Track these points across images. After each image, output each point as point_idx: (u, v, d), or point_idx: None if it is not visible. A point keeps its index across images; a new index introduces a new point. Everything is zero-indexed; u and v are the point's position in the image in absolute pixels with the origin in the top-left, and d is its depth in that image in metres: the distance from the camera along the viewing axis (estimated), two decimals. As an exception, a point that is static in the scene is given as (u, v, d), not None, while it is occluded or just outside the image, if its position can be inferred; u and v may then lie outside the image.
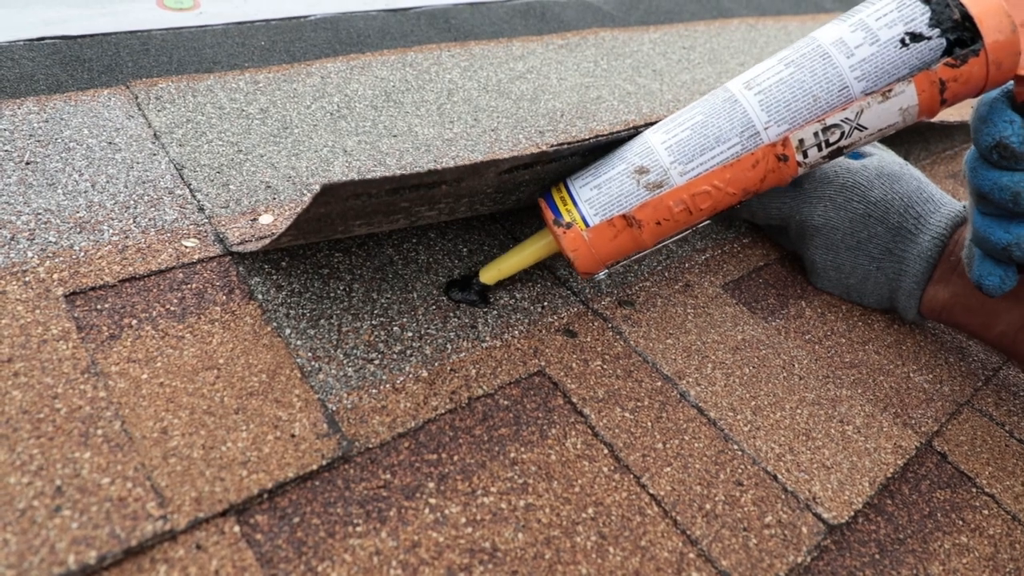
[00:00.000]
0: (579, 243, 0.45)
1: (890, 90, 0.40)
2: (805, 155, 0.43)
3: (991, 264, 0.45)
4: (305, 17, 0.79)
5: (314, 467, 0.37)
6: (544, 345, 0.47)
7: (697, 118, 0.43)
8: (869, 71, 0.40)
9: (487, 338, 0.47)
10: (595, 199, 0.45)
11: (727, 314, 0.53)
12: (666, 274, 0.56)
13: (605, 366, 0.47)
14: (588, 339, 0.48)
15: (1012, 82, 0.41)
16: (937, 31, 0.39)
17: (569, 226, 0.45)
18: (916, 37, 0.39)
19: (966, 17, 0.38)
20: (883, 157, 0.57)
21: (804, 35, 1.06)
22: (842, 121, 0.41)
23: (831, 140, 0.42)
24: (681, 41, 0.96)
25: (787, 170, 0.43)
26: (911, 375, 0.53)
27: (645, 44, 0.92)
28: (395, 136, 0.63)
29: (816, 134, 0.42)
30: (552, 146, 0.42)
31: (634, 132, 0.47)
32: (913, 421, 0.49)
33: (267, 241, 0.42)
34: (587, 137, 0.53)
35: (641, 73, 0.84)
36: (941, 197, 0.55)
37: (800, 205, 0.57)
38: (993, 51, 0.39)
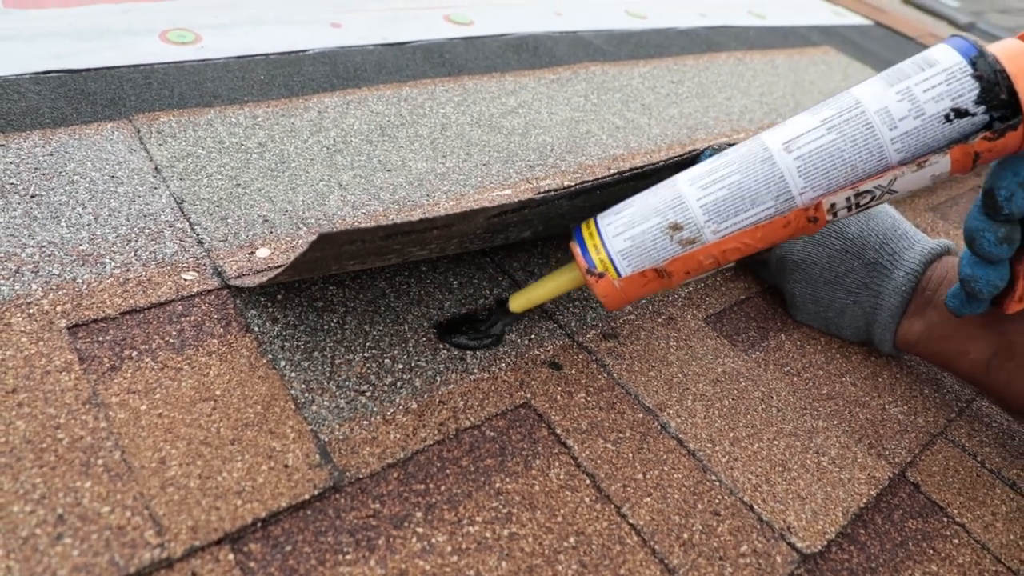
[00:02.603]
0: (610, 290, 0.46)
1: (926, 160, 0.41)
2: (835, 215, 0.43)
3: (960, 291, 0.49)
4: (304, 51, 0.81)
5: (306, 497, 0.38)
6: (530, 377, 0.49)
7: (734, 177, 0.44)
8: (909, 144, 0.41)
9: (475, 370, 0.48)
10: (628, 251, 0.45)
11: (708, 347, 0.55)
12: (649, 307, 0.57)
13: (589, 398, 0.48)
14: (573, 372, 0.50)
15: None
16: (983, 108, 0.39)
17: (602, 275, 0.46)
18: (961, 113, 0.39)
19: (1012, 94, 0.38)
20: None
21: (791, 68, 1.09)
22: (875, 187, 0.42)
23: (861, 203, 0.43)
24: (670, 75, 0.98)
25: (814, 228, 0.44)
26: (887, 407, 0.55)
27: (635, 78, 0.94)
28: (389, 170, 0.64)
29: (848, 199, 0.42)
30: (539, 192, 0.44)
31: (627, 175, 0.49)
32: (887, 452, 0.51)
33: (264, 278, 0.43)
34: (571, 185, 0.55)
35: (630, 107, 0.86)
36: (915, 234, 0.57)
37: None
38: None
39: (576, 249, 0.47)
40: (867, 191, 0.42)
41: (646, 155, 0.77)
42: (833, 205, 0.43)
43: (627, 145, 0.78)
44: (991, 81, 0.39)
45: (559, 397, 0.48)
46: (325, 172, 0.62)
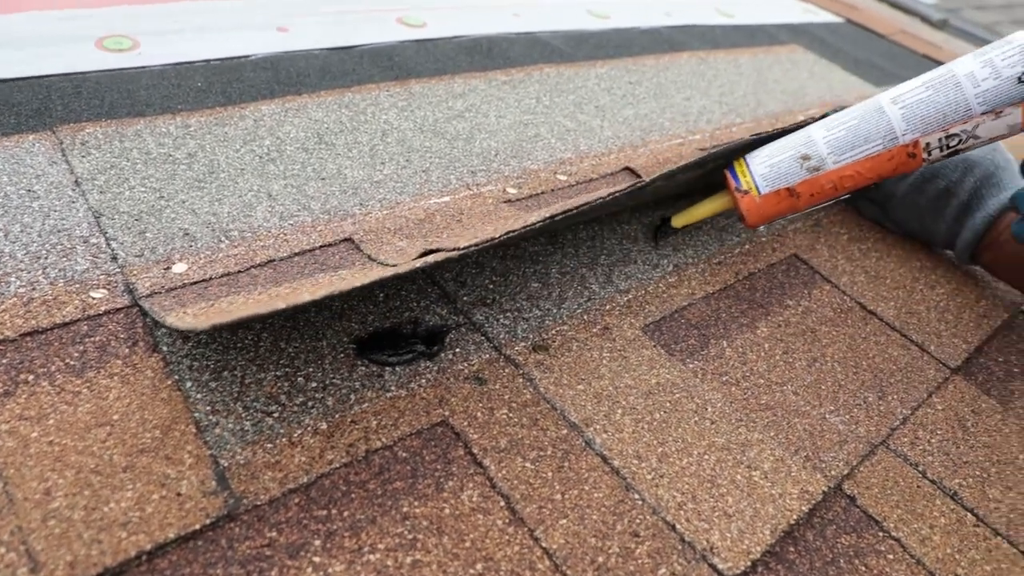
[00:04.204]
0: (752, 205, 0.60)
1: (1002, 112, 0.54)
2: (929, 154, 0.57)
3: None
4: (246, 57, 0.79)
5: (197, 526, 0.37)
6: (451, 394, 0.47)
7: (852, 122, 0.58)
8: (989, 98, 0.54)
9: (392, 387, 0.47)
10: (768, 175, 0.60)
11: (644, 357, 0.54)
12: (585, 317, 0.56)
13: (511, 414, 0.47)
14: (497, 386, 0.48)
15: None
16: None
17: (747, 192, 0.60)
18: None
19: None
20: None
21: (755, 67, 1.07)
22: (961, 131, 0.55)
23: (951, 144, 0.56)
24: (628, 76, 0.97)
25: (914, 163, 0.58)
26: (827, 416, 0.53)
27: (591, 79, 0.93)
28: (323, 179, 0.63)
29: (940, 139, 0.56)
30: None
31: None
32: (824, 464, 0.49)
33: (181, 322, 0.41)
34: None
35: (583, 109, 0.85)
36: (1010, 182, 0.71)
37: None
38: None
39: (728, 176, 0.61)
40: (955, 134, 0.56)
41: (595, 158, 0.75)
42: (928, 144, 0.56)
43: (576, 148, 0.76)
44: None
45: (479, 414, 0.46)
46: (255, 182, 0.61)
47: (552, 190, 0.68)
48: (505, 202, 0.65)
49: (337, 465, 0.41)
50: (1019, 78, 0.54)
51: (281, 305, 0.38)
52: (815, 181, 0.59)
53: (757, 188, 0.60)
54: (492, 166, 0.70)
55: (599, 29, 1.11)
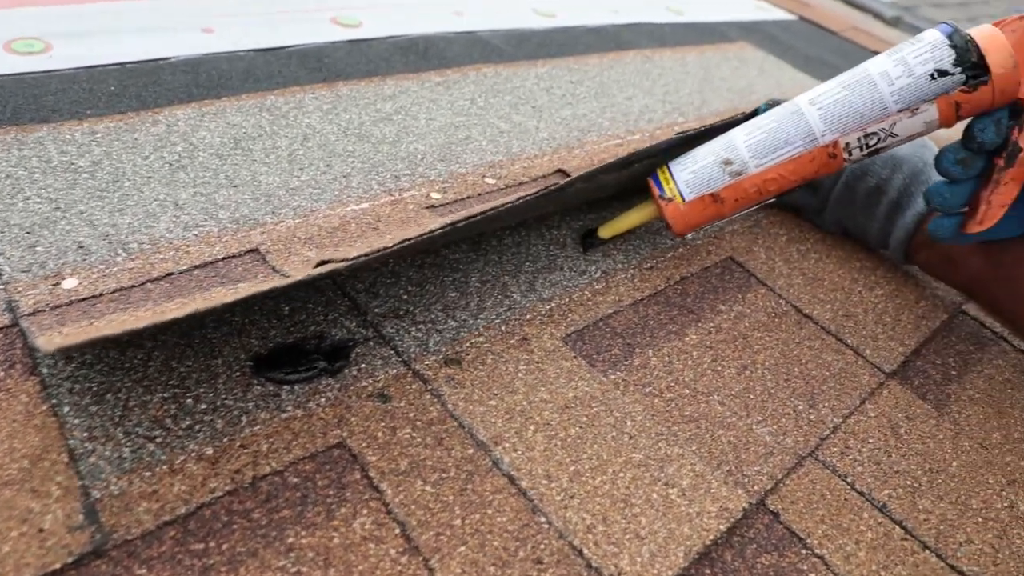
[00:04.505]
0: (677, 213, 0.60)
1: (918, 109, 0.54)
2: (850, 154, 0.57)
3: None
4: (166, 59, 0.76)
5: (57, 566, 0.34)
6: (351, 413, 0.45)
7: (771, 125, 0.58)
8: (904, 96, 0.54)
9: (289, 407, 0.44)
10: (691, 181, 0.59)
11: (562, 369, 0.51)
12: (503, 327, 0.53)
13: (415, 434, 0.44)
14: (402, 404, 0.46)
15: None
16: (959, 69, 0.53)
17: (670, 200, 0.60)
18: (942, 73, 0.53)
19: (981, 58, 0.52)
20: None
21: (702, 65, 1.06)
22: (879, 130, 0.55)
23: (870, 143, 0.56)
24: (569, 75, 0.94)
25: (835, 164, 0.58)
26: (754, 427, 0.52)
27: (530, 79, 0.90)
28: (236, 186, 0.60)
29: (859, 139, 0.56)
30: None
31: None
32: (747, 479, 0.47)
33: (46, 345, 0.39)
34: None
35: (519, 110, 0.83)
36: (937, 178, 0.66)
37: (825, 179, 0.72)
38: (998, 81, 0.52)
39: (652, 184, 0.61)
40: (873, 133, 0.56)
41: (527, 161, 0.73)
42: (847, 144, 0.56)
43: (508, 151, 0.74)
44: (963, 49, 0.52)
45: (380, 434, 0.44)
46: (162, 191, 0.58)
47: (479, 194, 0.66)
48: (427, 208, 0.62)
49: (220, 493, 0.39)
50: (931, 75, 0.53)
51: (137, 325, 0.35)
52: (739, 186, 0.59)
53: (681, 195, 0.60)
54: (417, 170, 0.67)
55: (543, 28, 1.09)
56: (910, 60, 0.54)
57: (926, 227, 0.67)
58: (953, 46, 0.53)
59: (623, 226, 0.63)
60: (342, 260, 0.41)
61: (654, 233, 0.68)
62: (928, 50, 0.53)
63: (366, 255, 0.41)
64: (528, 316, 0.55)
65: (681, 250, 0.67)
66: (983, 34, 0.53)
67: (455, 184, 0.66)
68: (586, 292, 0.59)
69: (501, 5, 1.13)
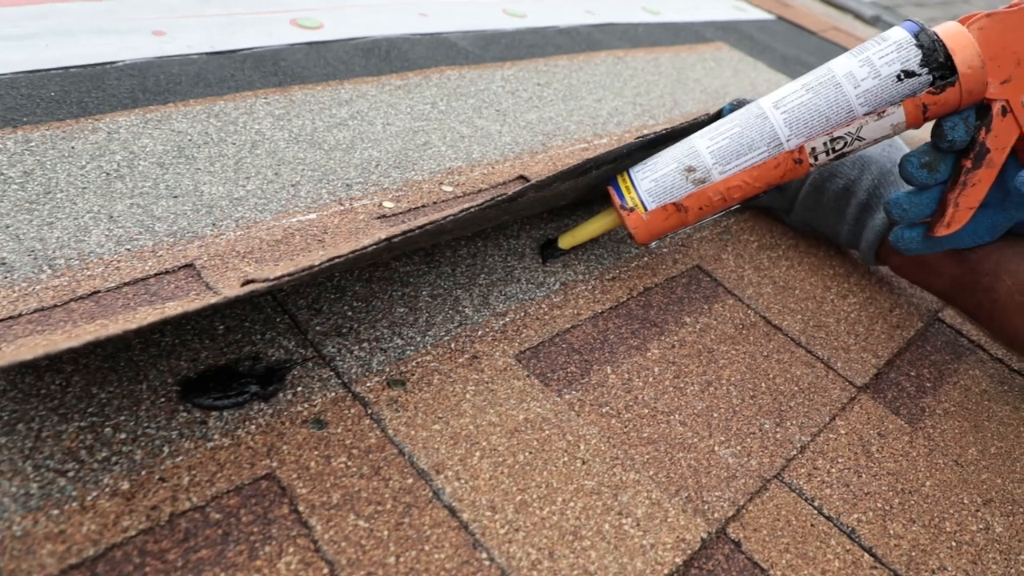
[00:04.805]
0: (639, 223, 0.57)
1: (884, 111, 0.52)
2: (816, 159, 0.55)
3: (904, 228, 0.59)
4: (112, 63, 0.73)
5: (-57, 620, 0.31)
6: (283, 441, 0.42)
7: (735, 129, 0.55)
8: (870, 98, 0.52)
9: (215, 436, 0.41)
10: (652, 189, 0.57)
11: (514, 389, 0.49)
12: (453, 345, 0.51)
13: (350, 463, 0.42)
14: (339, 430, 0.43)
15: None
16: (926, 69, 0.51)
17: (632, 210, 0.57)
18: (909, 74, 0.51)
19: (948, 58, 0.51)
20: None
21: (675, 66, 1.03)
22: (845, 134, 0.53)
23: (836, 148, 0.54)
24: (537, 77, 0.92)
25: (801, 169, 0.55)
26: (716, 448, 0.49)
27: (495, 82, 0.88)
28: (176, 197, 0.57)
29: (825, 143, 0.54)
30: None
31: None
32: (707, 506, 0.45)
33: None
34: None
35: (482, 114, 0.80)
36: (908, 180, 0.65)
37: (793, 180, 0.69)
38: (965, 82, 0.51)
39: (613, 193, 0.58)
40: (839, 137, 0.53)
41: (488, 167, 0.70)
42: (814, 149, 0.54)
43: (468, 157, 0.71)
44: (930, 49, 0.51)
45: (313, 464, 0.41)
46: (97, 202, 0.55)
47: (434, 203, 0.63)
48: (379, 218, 0.60)
49: (133, 533, 0.36)
50: (897, 76, 0.52)
51: (53, 349, 0.33)
52: (702, 194, 0.56)
53: (643, 204, 0.57)
54: (371, 178, 0.65)
55: (513, 28, 1.06)
56: (876, 60, 0.52)
57: None
58: (920, 45, 0.51)
59: (584, 235, 0.60)
60: (264, 280, 0.38)
61: (618, 242, 0.66)
62: (894, 50, 0.52)
63: (290, 275, 0.38)
64: (480, 332, 0.52)
65: (646, 259, 0.65)
66: (949, 33, 0.51)
67: (410, 192, 0.64)
68: (543, 306, 0.56)
69: (469, 6, 1.10)
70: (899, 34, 0.52)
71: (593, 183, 0.59)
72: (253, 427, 0.42)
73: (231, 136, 0.66)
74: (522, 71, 0.93)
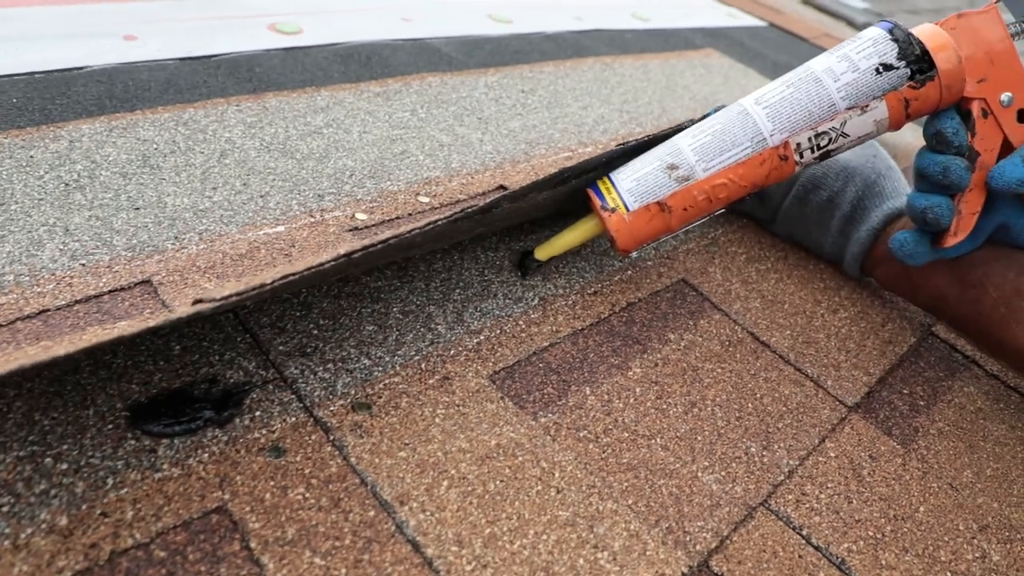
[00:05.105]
0: (621, 224, 0.55)
1: (867, 106, 0.52)
2: (801, 156, 0.54)
3: (904, 231, 0.57)
4: (80, 69, 0.71)
5: None
6: (237, 471, 0.39)
7: (717, 126, 0.54)
8: (851, 92, 0.52)
9: (165, 466, 0.39)
10: (634, 189, 0.55)
11: (486, 412, 0.46)
12: (423, 365, 0.48)
13: (308, 494, 0.39)
14: (298, 458, 0.41)
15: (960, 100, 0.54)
16: (903, 63, 0.52)
17: (613, 211, 0.55)
18: (888, 67, 0.52)
19: (924, 52, 0.51)
20: (856, 150, 0.68)
21: (664, 73, 1.01)
22: (830, 129, 0.53)
23: (821, 144, 0.54)
24: (521, 84, 0.90)
25: (787, 167, 0.55)
26: (699, 474, 0.47)
27: (478, 89, 0.85)
28: (137, 209, 0.55)
29: (810, 139, 0.53)
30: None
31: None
32: (688, 537, 0.42)
33: None
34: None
35: (463, 122, 0.77)
36: (893, 191, 0.65)
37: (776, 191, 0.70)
38: (945, 77, 0.52)
39: (593, 195, 0.56)
40: (824, 132, 0.53)
41: (467, 176, 0.68)
42: (799, 145, 0.54)
43: (447, 166, 0.69)
44: (905, 42, 0.51)
45: (268, 496, 0.39)
46: (53, 215, 0.52)
47: (410, 214, 0.61)
48: (350, 230, 0.57)
49: (69, 574, 0.33)
50: (876, 69, 0.52)
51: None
52: (687, 192, 0.54)
53: (625, 205, 0.55)
54: (344, 188, 0.62)
55: (498, 34, 1.04)
56: (853, 56, 0.53)
57: (883, 242, 0.64)
58: (895, 39, 0.52)
59: (562, 245, 0.58)
60: (211, 300, 0.36)
61: (601, 254, 0.63)
62: (870, 45, 0.52)
63: (239, 294, 0.36)
64: (452, 351, 0.50)
65: (630, 272, 0.62)
66: (924, 31, 0.52)
67: (384, 203, 0.61)
68: (520, 322, 0.54)
69: (454, 11, 1.08)
70: (874, 31, 0.53)
71: (574, 192, 0.57)
72: (206, 456, 0.40)
73: (199, 145, 0.63)
74: (506, 78, 0.90)
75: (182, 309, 0.35)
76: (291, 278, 0.37)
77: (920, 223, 0.56)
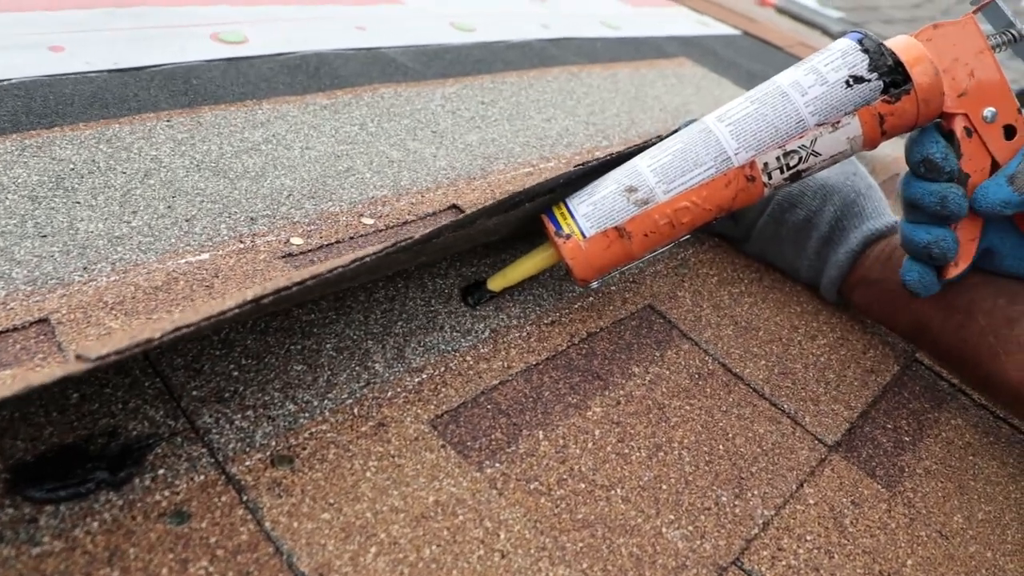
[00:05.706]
0: (577, 252, 0.51)
1: (838, 122, 0.49)
2: (769, 176, 0.50)
3: (913, 263, 0.53)
4: (-2, 82, 0.65)
5: None
6: (131, 542, 0.34)
7: (678, 145, 0.51)
8: (820, 107, 0.49)
9: (45, 538, 0.33)
10: (591, 214, 0.51)
11: (424, 464, 0.41)
12: (356, 410, 0.43)
13: (213, 568, 0.34)
14: (203, 524, 0.36)
15: (940, 118, 0.50)
16: (875, 75, 0.48)
17: (568, 237, 0.51)
18: (858, 79, 0.48)
19: (898, 63, 0.48)
20: (834, 168, 0.63)
21: (634, 83, 0.97)
22: (799, 147, 0.49)
23: (791, 164, 0.50)
24: (481, 95, 0.85)
25: (755, 189, 0.51)
26: (663, 530, 0.42)
27: (435, 100, 0.81)
28: (44, 236, 0.49)
29: (778, 158, 0.50)
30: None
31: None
32: (650, 605, 0.37)
33: None
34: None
35: (416, 136, 0.73)
36: (873, 211, 0.61)
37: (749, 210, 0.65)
38: (921, 91, 0.48)
39: (547, 221, 0.52)
40: (793, 151, 0.49)
41: (417, 195, 0.63)
42: (766, 164, 0.50)
43: (396, 184, 0.64)
44: (876, 52, 0.48)
45: (165, 571, 0.33)
46: (-53, 243, 0.47)
47: (351, 238, 0.56)
48: (283, 256, 0.52)
49: None
50: (846, 82, 0.48)
51: None
52: (647, 217, 0.51)
53: (581, 231, 0.51)
54: (279, 210, 0.57)
55: (460, 43, 0.99)
56: (821, 68, 0.49)
57: (864, 264, 0.60)
58: (865, 50, 0.48)
59: (517, 275, 0.53)
60: (85, 360, 0.30)
61: (560, 279, 0.58)
62: (839, 56, 0.49)
63: (119, 352, 0.30)
64: (390, 393, 0.45)
65: (591, 299, 0.58)
66: (897, 43, 0.49)
67: (324, 226, 0.56)
68: (468, 358, 0.49)
69: (414, 18, 1.03)
70: (843, 43, 0.50)
71: (527, 217, 0.52)
72: (95, 525, 0.34)
73: (122, 164, 0.58)
74: (466, 88, 0.86)
75: (46, 372, 0.30)
76: (184, 331, 0.32)
77: (924, 258, 0.52)
